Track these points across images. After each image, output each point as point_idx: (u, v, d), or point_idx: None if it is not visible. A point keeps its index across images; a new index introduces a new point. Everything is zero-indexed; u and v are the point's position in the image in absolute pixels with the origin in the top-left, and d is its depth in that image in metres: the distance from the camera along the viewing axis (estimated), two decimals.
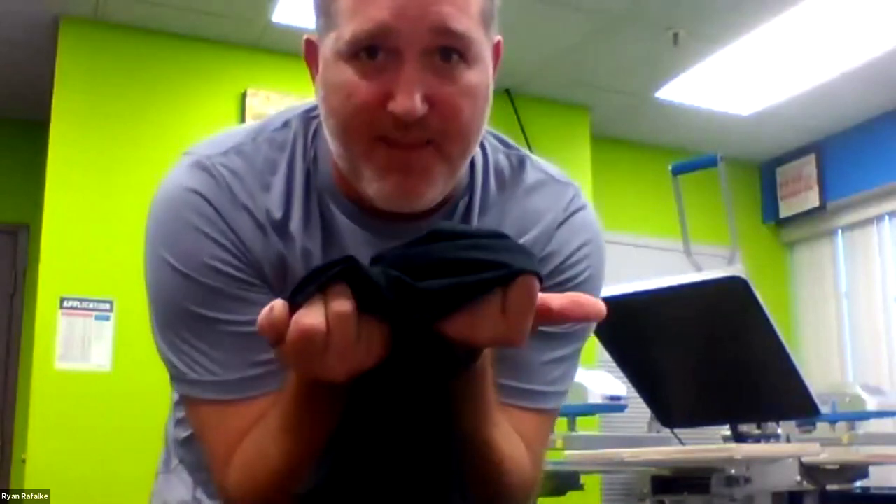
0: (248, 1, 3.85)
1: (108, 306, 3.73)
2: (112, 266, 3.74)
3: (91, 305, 3.73)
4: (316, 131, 0.94)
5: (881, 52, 4.31)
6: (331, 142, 0.87)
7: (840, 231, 5.50)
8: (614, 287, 2.40)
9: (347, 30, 0.81)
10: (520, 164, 0.99)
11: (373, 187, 0.85)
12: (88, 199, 3.82)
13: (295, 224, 0.90)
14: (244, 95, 4.12)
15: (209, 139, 0.96)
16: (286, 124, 0.95)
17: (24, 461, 3.68)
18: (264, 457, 0.82)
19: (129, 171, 3.89)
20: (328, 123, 0.86)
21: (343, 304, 0.65)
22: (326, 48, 0.85)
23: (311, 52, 0.91)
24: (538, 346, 0.94)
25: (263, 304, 0.84)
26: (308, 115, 0.96)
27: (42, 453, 3.58)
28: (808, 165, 5.53)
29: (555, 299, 0.69)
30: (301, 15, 3.94)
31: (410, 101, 0.79)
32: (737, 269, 2.31)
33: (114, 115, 3.96)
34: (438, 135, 0.83)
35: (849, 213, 5.37)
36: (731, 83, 4.65)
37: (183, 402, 0.94)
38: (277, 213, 0.90)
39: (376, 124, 0.82)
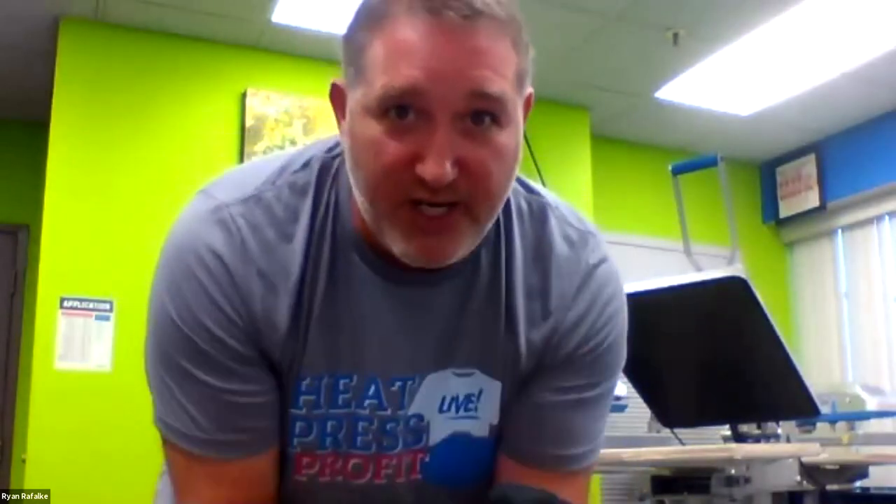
0: (248, 1, 3.85)
1: (108, 306, 3.73)
2: (112, 266, 3.73)
3: (91, 305, 3.72)
4: (337, 172, 0.91)
5: (881, 52, 4.31)
6: (356, 195, 0.85)
7: (840, 231, 5.50)
8: None
9: (377, 86, 0.78)
10: (541, 212, 0.97)
11: (398, 247, 0.83)
12: (88, 199, 3.82)
13: (318, 276, 0.88)
14: (244, 95, 4.12)
15: (229, 177, 0.93)
16: (307, 165, 0.92)
17: (24, 461, 3.68)
18: None
19: (130, 171, 3.89)
20: (355, 177, 0.84)
21: None
22: (355, 100, 0.82)
23: (337, 97, 0.88)
24: (583, 413, 0.95)
25: (250, 378, 0.85)
26: (329, 155, 0.93)
27: (42, 453, 3.58)
28: (808, 165, 5.53)
29: None
30: (301, 15, 3.94)
31: (441, 166, 0.77)
32: (737, 269, 2.31)
33: (114, 116, 3.96)
34: (468, 198, 0.81)
35: (849, 213, 5.37)
36: (731, 83, 4.65)
37: (161, 437, 0.94)
38: (296, 266, 0.87)
39: (404, 186, 0.79)
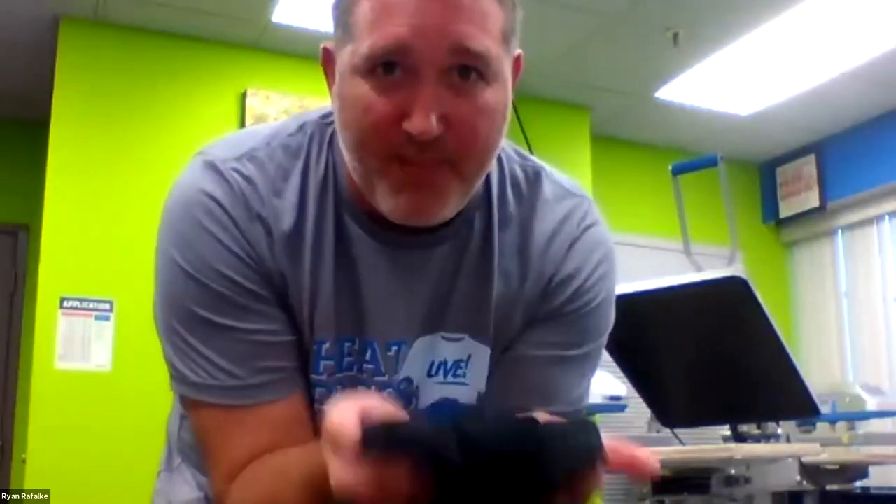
0: (248, 1, 3.85)
1: (108, 306, 3.73)
2: (112, 266, 3.74)
3: (91, 305, 3.72)
4: (332, 138, 0.92)
5: (881, 52, 4.31)
6: (346, 155, 0.86)
7: (840, 231, 5.50)
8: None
9: (364, 44, 0.79)
10: (535, 177, 0.98)
11: (386, 203, 0.84)
12: (88, 199, 3.82)
13: (306, 235, 0.89)
14: (244, 95, 4.12)
15: (224, 140, 0.95)
16: (301, 128, 0.94)
17: (24, 461, 3.68)
18: (277, 499, 0.81)
19: (130, 170, 3.89)
20: (343, 136, 0.85)
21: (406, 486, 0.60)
22: (343, 61, 0.83)
23: (328, 61, 0.89)
24: (563, 371, 0.94)
25: (269, 316, 0.85)
26: (324, 121, 0.94)
27: (42, 453, 3.58)
28: (808, 165, 5.53)
29: (614, 456, 0.69)
30: (301, 15, 3.94)
31: (426, 121, 0.78)
32: (737, 269, 2.31)
33: (114, 115, 3.96)
34: (454, 154, 0.81)
35: (849, 213, 5.37)
36: (731, 83, 4.65)
37: (184, 404, 0.93)
38: (287, 223, 0.88)
39: (391, 142, 0.80)
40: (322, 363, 0.90)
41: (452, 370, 0.94)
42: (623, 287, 2.39)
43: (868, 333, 5.28)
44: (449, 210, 0.85)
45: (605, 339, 1.01)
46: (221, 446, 0.87)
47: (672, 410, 2.72)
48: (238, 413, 0.86)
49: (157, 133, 3.97)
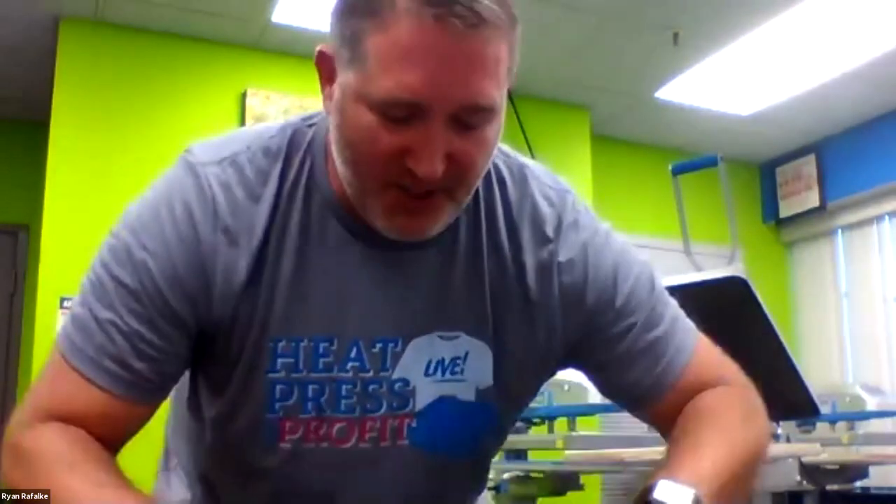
0: (248, 1, 3.85)
1: None
2: None
3: None
4: (312, 140, 0.93)
5: (881, 52, 4.31)
6: (340, 168, 0.87)
7: (840, 231, 5.50)
8: None
9: (377, 87, 0.79)
10: (521, 174, 0.99)
11: (380, 222, 0.86)
12: (88, 199, 3.82)
13: (284, 237, 0.90)
14: (244, 95, 4.12)
15: (211, 141, 0.95)
16: (281, 130, 0.95)
17: None
18: (55, 469, 0.83)
19: (130, 170, 3.89)
20: (341, 152, 0.86)
21: None
22: (348, 82, 0.83)
23: (324, 63, 0.88)
24: (653, 327, 0.98)
25: (165, 337, 0.88)
26: (305, 123, 0.95)
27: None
28: (808, 165, 5.54)
29: None
30: (301, 15, 3.94)
31: (433, 165, 0.80)
32: (737, 269, 2.30)
33: (114, 116, 3.96)
34: (452, 184, 0.84)
35: (849, 213, 5.37)
36: (731, 83, 4.65)
37: (52, 351, 0.94)
38: (261, 228, 0.89)
39: (392, 174, 0.82)
40: (279, 361, 0.90)
41: (450, 367, 0.95)
42: None
43: (868, 333, 5.28)
44: (439, 228, 0.88)
45: (649, 283, 1.03)
46: (51, 394, 0.91)
47: None
48: (83, 385, 0.88)
49: (157, 133, 3.97)
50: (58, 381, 0.90)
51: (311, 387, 0.91)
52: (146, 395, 0.89)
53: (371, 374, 0.92)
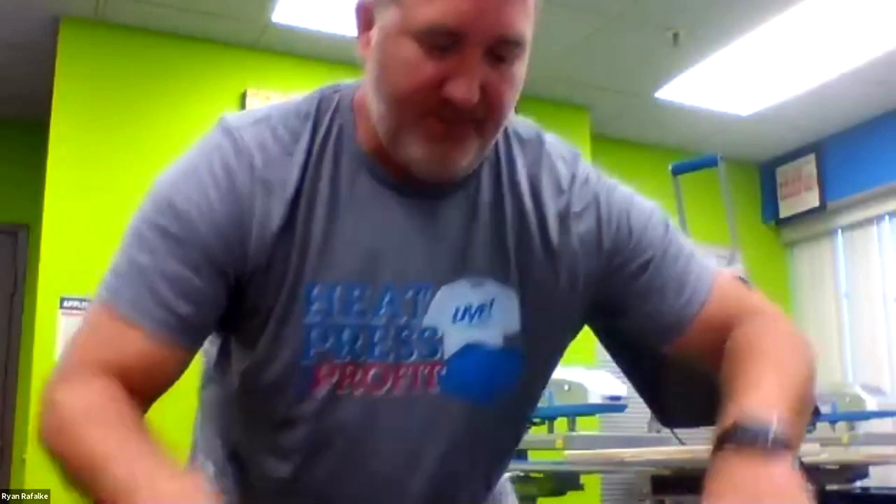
0: (248, 1, 3.85)
1: None
2: None
3: None
4: (338, 103, 0.99)
5: (881, 52, 4.31)
6: (376, 106, 0.92)
7: (840, 231, 5.50)
8: None
9: (421, 15, 0.86)
10: (537, 134, 1.06)
11: (415, 152, 0.91)
12: (88, 199, 3.82)
13: (316, 190, 0.94)
14: (244, 95, 4.12)
15: (243, 112, 1.01)
16: (308, 97, 1.00)
17: (24, 461, 3.68)
18: (88, 429, 0.83)
19: (130, 170, 3.89)
20: (379, 89, 0.91)
21: None
22: (388, 20, 0.89)
23: (362, 14, 0.94)
24: (671, 260, 1.02)
25: (206, 280, 0.91)
26: (331, 91, 1.01)
27: (42, 453, 3.58)
28: (808, 165, 5.54)
29: None
30: (301, 15, 3.94)
31: (470, 91, 0.87)
32: (737, 269, 2.30)
33: (114, 115, 3.96)
34: (482, 117, 0.90)
35: (849, 213, 5.37)
36: (731, 83, 4.65)
37: (90, 309, 0.95)
38: (295, 181, 0.93)
39: (431, 101, 0.88)
40: (314, 306, 0.94)
41: (477, 314, 0.98)
42: None
43: (868, 333, 5.28)
44: (468, 163, 0.93)
45: (662, 222, 1.05)
46: (92, 339, 0.91)
47: (672, 410, 2.72)
48: (123, 325, 0.89)
49: (158, 133, 3.97)
50: (100, 331, 0.91)
51: (345, 332, 0.94)
52: (188, 338, 0.91)
53: (403, 320, 0.96)
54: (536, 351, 1.02)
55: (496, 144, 1.00)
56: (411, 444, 0.98)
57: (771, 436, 0.80)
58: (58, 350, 3.66)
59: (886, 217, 5.22)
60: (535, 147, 1.04)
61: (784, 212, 5.71)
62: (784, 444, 0.80)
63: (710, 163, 2.98)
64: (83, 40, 3.96)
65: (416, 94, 0.88)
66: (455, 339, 0.97)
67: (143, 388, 0.89)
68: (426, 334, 0.96)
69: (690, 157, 3.57)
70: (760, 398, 0.85)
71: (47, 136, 3.86)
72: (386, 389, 0.96)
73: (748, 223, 5.55)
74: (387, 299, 0.95)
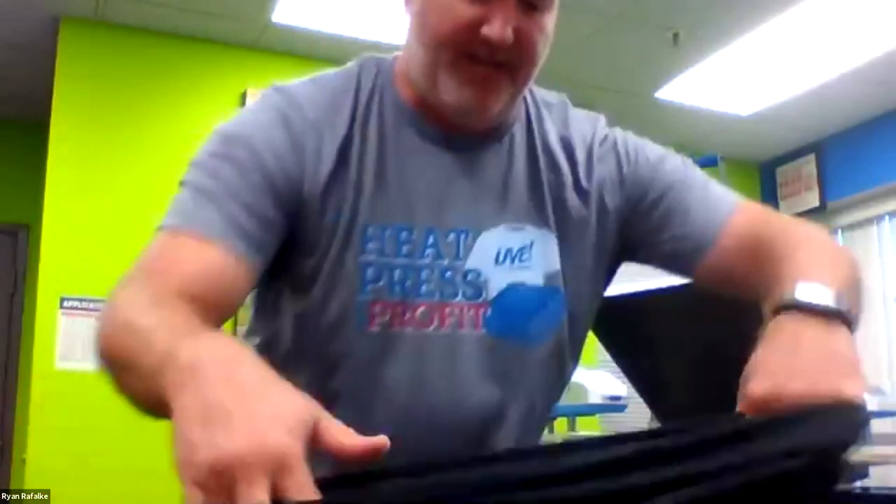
0: (248, 1, 3.85)
1: None
2: (112, 266, 3.73)
3: (91, 305, 3.72)
4: (379, 67, 1.07)
5: (881, 52, 4.31)
6: (417, 53, 1.00)
7: (840, 231, 5.50)
8: (614, 287, 2.40)
9: None
10: (562, 101, 1.16)
11: (450, 94, 0.98)
12: (88, 198, 3.82)
13: (365, 139, 1.01)
14: (244, 95, 4.12)
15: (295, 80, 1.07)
16: (349, 65, 1.08)
17: (24, 461, 3.68)
18: (138, 311, 0.79)
19: (130, 170, 3.89)
20: (421, 36, 0.99)
21: None
22: None
23: None
24: (684, 188, 1.09)
25: (269, 205, 0.94)
26: (369, 59, 1.08)
27: (42, 453, 3.58)
28: (808, 165, 5.54)
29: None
30: (301, 15, 3.94)
31: (505, 30, 0.94)
32: None
33: (114, 115, 3.96)
34: (515, 61, 0.98)
35: (849, 213, 5.37)
36: (731, 83, 4.65)
37: (156, 237, 0.94)
38: (342, 131, 1.00)
39: (468, 42, 0.95)
40: (369, 245, 0.99)
41: (518, 256, 1.04)
42: (623, 287, 2.39)
43: (868, 333, 5.28)
44: (499, 108, 1.00)
45: (678, 157, 1.14)
46: (157, 255, 0.90)
47: (672, 410, 2.72)
48: (198, 243, 0.89)
49: (158, 133, 3.97)
50: (165, 250, 0.91)
51: (396, 271, 0.99)
52: (259, 257, 0.93)
53: (446, 261, 1.01)
54: (576, 290, 1.06)
55: (526, 107, 1.09)
56: (459, 382, 1.00)
57: (833, 306, 0.78)
58: (58, 350, 3.66)
59: (886, 217, 5.22)
60: (562, 109, 1.14)
61: (784, 212, 5.65)
62: (844, 319, 0.78)
63: (710, 163, 2.98)
64: (83, 40, 3.96)
65: (455, 34, 0.95)
66: (497, 280, 1.02)
67: (217, 306, 0.87)
68: (469, 276, 1.01)
69: (690, 157, 3.57)
70: (816, 276, 0.83)
71: (47, 136, 3.86)
72: (434, 327, 1.00)
73: None
74: (430, 241, 1.01)
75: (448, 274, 1.00)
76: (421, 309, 1.00)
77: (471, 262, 1.01)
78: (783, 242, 0.96)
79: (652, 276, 2.44)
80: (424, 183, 1.01)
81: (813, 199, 5.49)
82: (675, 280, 2.41)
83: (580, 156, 1.09)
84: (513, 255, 1.03)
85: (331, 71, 1.06)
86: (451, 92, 0.98)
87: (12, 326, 4.73)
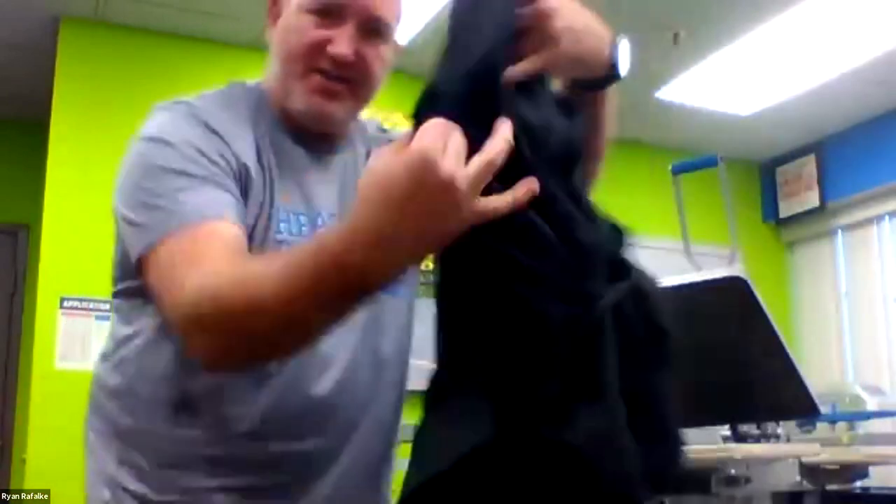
0: (248, 1, 3.85)
1: (108, 306, 3.72)
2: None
3: (91, 305, 3.73)
4: (250, 88, 1.24)
5: (881, 52, 4.31)
6: (276, 69, 1.19)
7: (840, 231, 5.50)
8: None
9: None
10: (383, 128, 1.37)
11: (300, 103, 1.16)
12: (88, 199, 3.82)
13: (258, 144, 1.16)
14: None
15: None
16: (224, 88, 1.23)
17: (24, 461, 3.68)
18: (250, 285, 0.89)
19: None
20: (280, 55, 1.18)
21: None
22: (291, 4, 1.16)
23: (273, 6, 1.20)
24: None
25: (217, 180, 1.08)
26: (236, 83, 1.25)
27: (42, 453, 3.58)
28: (808, 165, 5.54)
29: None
30: None
31: (347, 49, 1.13)
32: (737, 269, 2.30)
33: (114, 115, 3.96)
34: (355, 78, 1.16)
35: (849, 213, 5.37)
36: (731, 83, 4.65)
37: (142, 264, 1.08)
38: (237, 136, 1.15)
39: (316, 59, 1.14)
40: (281, 225, 1.15)
41: None
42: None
43: (868, 333, 5.28)
44: (342, 117, 1.20)
45: None
46: (182, 261, 1.00)
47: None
48: (197, 229, 1.01)
49: None
50: (189, 246, 1.00)
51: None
52: (236, 219, 1.06)
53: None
54: None
55: (363, 128, 1.32)
56: (359, 334, 1.18)
57: None
58: (58, 350, 3.66)
59: (886, 217, 5.22)
60: (371, 123, 1.35)
61: (784, 212, 5.71)
62: None
63: (710, 163, 2.98)
64: (83, 40, 3.96)
65: (306, 51, 1.14)
66: None
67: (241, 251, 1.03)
68: None
69: (690, 157, 3.56)
70: None
71: (47, 136, 3.86)
72: None
73: (748, 223, 5.55)
74: (319, 222, 1.19)
75: None
76: None
77: None
78: None
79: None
80: (303, 177, 1.20)
81: (813, 199, 5.50)
82: (675, 280, 2.41)
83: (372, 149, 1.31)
84: None
85: (205, 93, 1.21)
86: (301, 101, 1.16)
87: (12, 326, 4.73)
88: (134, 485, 1.11)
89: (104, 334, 1.42)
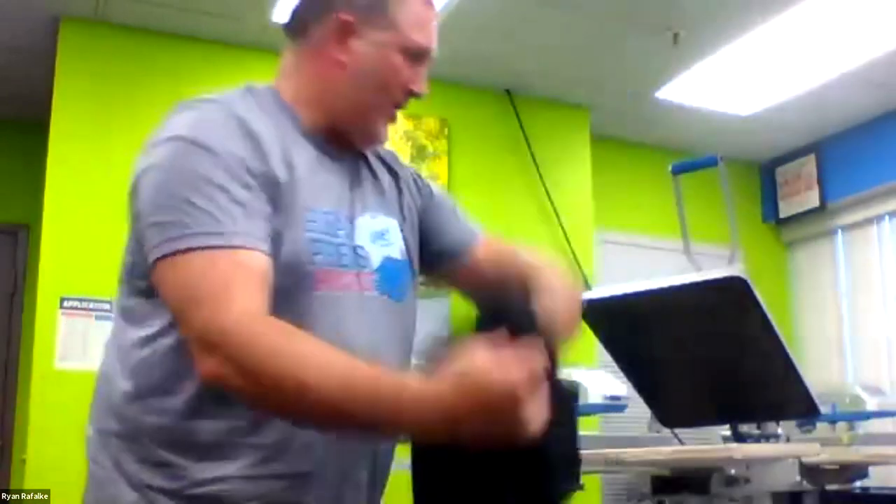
0: (248, 1, 3.85)
1: (108, 306, 3.73)
2: (112, 266, 3.71)
3: (91, 305, 3.72)
4: (259, 91, 1.33)
5: (881, 53, 4.31)
6: (351, 95, 1.29)
7: (840, 231, 5.50)
8: (614, 287, 2.40)
9: (413, 38, 1.29)
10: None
11: (378, 129, 1.33)
12: (88, 199, 3.82)
13: (284, 148, 1.22)
14: None
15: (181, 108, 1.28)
16: (232, 92, 1.30)
17: (24, 461, 3.68)
18: (311, 367, 0.99)
19: (130, 171, 3.88)
20: (368, 86, 1.29)
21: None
22: (382, 38, 1.28)
23: (345, 27, 1.28)
24: (453, 211, 1.51)
25: (261, 197, 1.15)
26: (243, 88, 1.33)
27: (42, 453, 3.58)
28: (808, 165, 5.54)
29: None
30: None
31: (427, 89, 1.33)
32: (737, 269, 2.30)
33: (114, 115, 3.96)
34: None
35: (849, 213, 5.37)
36: (731, 83, 4.65)
37: (159, 265, 1.10)
38: (274, 139, 1.22)
39: (402, 96, 1.31)
40: (310, 224, 1.21)
41: (382, 236, 1.34)
42: (623, 287, 2.39)
43: (868, 333, 5.28)
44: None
45: (451, 197, 1.57)
46: (218, 278, 1.06)
47: (672, 410, 2.72)
48: (236, 253, 1.08)
49: None
50: (211, 269, 1.07)
51: (326, 246, 1.24)
52: (266, 248, 1.13)
53: (346, 238, 1.27)
54: (413, 259, 1.40)
55: None
56: (369, 335, 1.24)
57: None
58: (58, 350, 3.66)
59: (886, 217, 5.22)
60: (383, 149, 1.47)
61: (784, 212, 5.71)
62: None
63: (710, 163, 2.98)
64: (83, 40, 3.96)
65: (396, 88, 1.30)
66: (375, 254, 1.31)
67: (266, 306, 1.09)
68: (359, 251, 1.28)
69: (690, 157, 3.57)
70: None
71: (47, 136, 3.86)
72: (353, 290, 1.25)
73: (748, 223, 5.55)
74: (341, 223, 1.27)
75: (346, 249, 1.26)
76: (345, 279, 1.25)
77: (357, 240, 1.28)
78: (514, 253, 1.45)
79: (651, 276, 2.43)
80: (325, 181, 1.28)
81: (813, 199, 5.50)
82: (675, 280, 2.40)
83: (401, 173, 1.45)
84: (381, 236, 1.33)
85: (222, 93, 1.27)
86: (379, 128, 1.33)
87: (12, 326, 4.73)
88: (164, 482, 1.12)
89: (104, 334, 1.41)
